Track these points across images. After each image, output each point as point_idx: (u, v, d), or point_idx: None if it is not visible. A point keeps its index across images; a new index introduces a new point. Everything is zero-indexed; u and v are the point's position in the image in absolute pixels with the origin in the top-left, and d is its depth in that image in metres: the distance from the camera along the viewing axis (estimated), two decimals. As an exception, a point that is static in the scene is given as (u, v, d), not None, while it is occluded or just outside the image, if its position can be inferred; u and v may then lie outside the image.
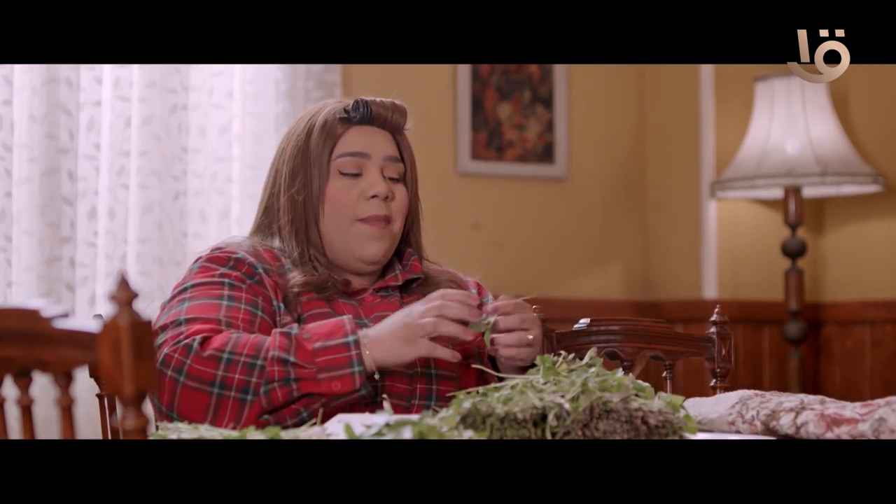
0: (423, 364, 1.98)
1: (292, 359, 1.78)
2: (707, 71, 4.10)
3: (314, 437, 1.48)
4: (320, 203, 2.04)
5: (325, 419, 1.73)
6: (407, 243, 2.14)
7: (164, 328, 1.85)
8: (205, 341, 1.80)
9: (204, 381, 1.78)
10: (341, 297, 2.02)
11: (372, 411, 1.88)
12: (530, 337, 1.90)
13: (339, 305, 2.00)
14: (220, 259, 1.98)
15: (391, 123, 2.09)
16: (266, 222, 2.09)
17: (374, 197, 2.04)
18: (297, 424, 1.79)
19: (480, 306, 1.92)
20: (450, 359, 1.83)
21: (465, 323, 1.84)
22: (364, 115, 2.06)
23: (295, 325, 1.92)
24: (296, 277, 1.98)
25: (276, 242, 2.06)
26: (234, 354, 1.79)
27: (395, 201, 2.07)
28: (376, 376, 1.86)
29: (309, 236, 2.04)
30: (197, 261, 2.00)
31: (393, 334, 1.82)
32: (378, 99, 2.09)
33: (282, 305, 1.96)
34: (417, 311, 1.84)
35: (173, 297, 1.94)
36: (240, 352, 1.80)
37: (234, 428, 1.75)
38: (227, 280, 1.94)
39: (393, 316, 1.87)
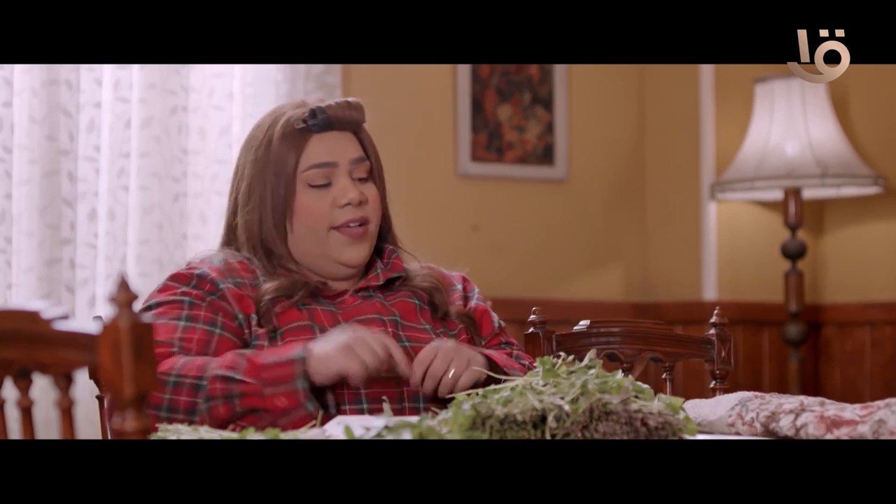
0: None
1: (237, 376, 1.79)
2: (707, 72, 4.10)
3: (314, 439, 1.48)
4: (288, 218, 2.02)
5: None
6: (384, 239, 2.13)
7: None
8: None
9: (153, 405, 1.79)
10: (319, 303, 2.01)
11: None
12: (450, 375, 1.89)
13: (318, 313, 1.99)
14: (182, 277, 1.98)
15: (351, 123, 2.07)
16: (229, 240, 2.09)
17: (347, 204, 2.03)
18: None
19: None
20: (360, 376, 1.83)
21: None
22: (323, 121, 2.03)
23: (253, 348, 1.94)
24: (265, 287, 1.98)
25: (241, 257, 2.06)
26: (181, 377, 1.80)
27: (368, 203, 2.05)
28: (329, 404, 1.87)
29: (269, 252, 2.03)
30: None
31: (335, 347, 1.83)
32: (333, 102, 2.06)
33: (254, 317, 1.96)
34: (365, 336, 1.85)
35: None
36: (186, 374, 1.81)
37: None
38: (187, 299, 1.95)
39: (338, 331, 1.87)
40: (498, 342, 2.14)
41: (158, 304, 1.95)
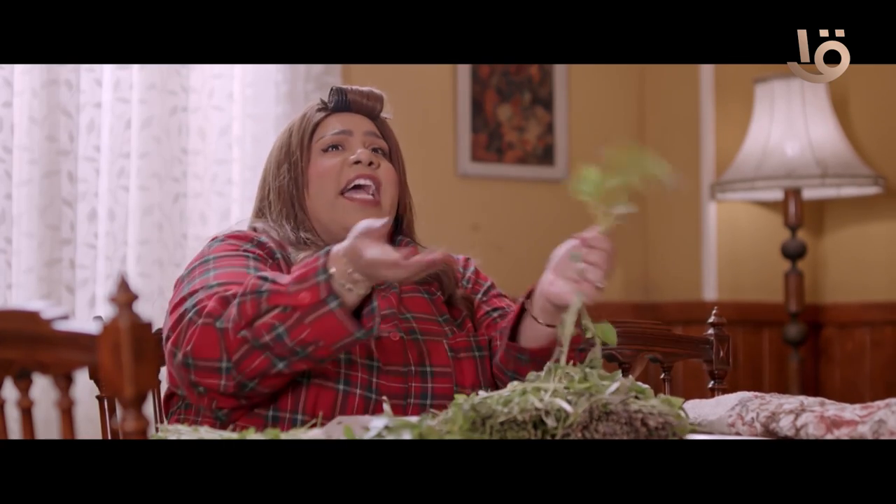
0: (417, 362, 1.98)
1: (270, 277, 1.78)
2: (707, 72, 4.10)
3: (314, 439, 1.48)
4: (304, 184, 2.07)
5: (326, 412, 1.73)
6: (402, 233, 2.16)
7: (193, 293, 1.85)
8: None
9: (210, 315, 1.79)
10: None
11: (369, 384, 1.90)
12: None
13: None
14: (243, 237, 2.01)
15: (368, 109, 2.13)
16: (260, 213, 2.12)
17: (357, 163, 2.06)
18: (275, 341, 1.75)
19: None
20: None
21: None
22: (340, 101, 2.11)
23: None
24: (298, 259, 2.00)
25: (274, 234, 2.07)
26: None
27: (380, 169, 2.09)
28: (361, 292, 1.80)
29: (297, 217, 2.06)
30: (214, 239, 2.02)
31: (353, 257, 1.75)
32: (354, 87, 2.13)
33: None
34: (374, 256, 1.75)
35: (192, 269, 1.94)
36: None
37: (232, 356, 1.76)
38: (251, 255, 1.97)
39: (356, 243, 1.77)
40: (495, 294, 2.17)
41: (220, 258, 1.95)
